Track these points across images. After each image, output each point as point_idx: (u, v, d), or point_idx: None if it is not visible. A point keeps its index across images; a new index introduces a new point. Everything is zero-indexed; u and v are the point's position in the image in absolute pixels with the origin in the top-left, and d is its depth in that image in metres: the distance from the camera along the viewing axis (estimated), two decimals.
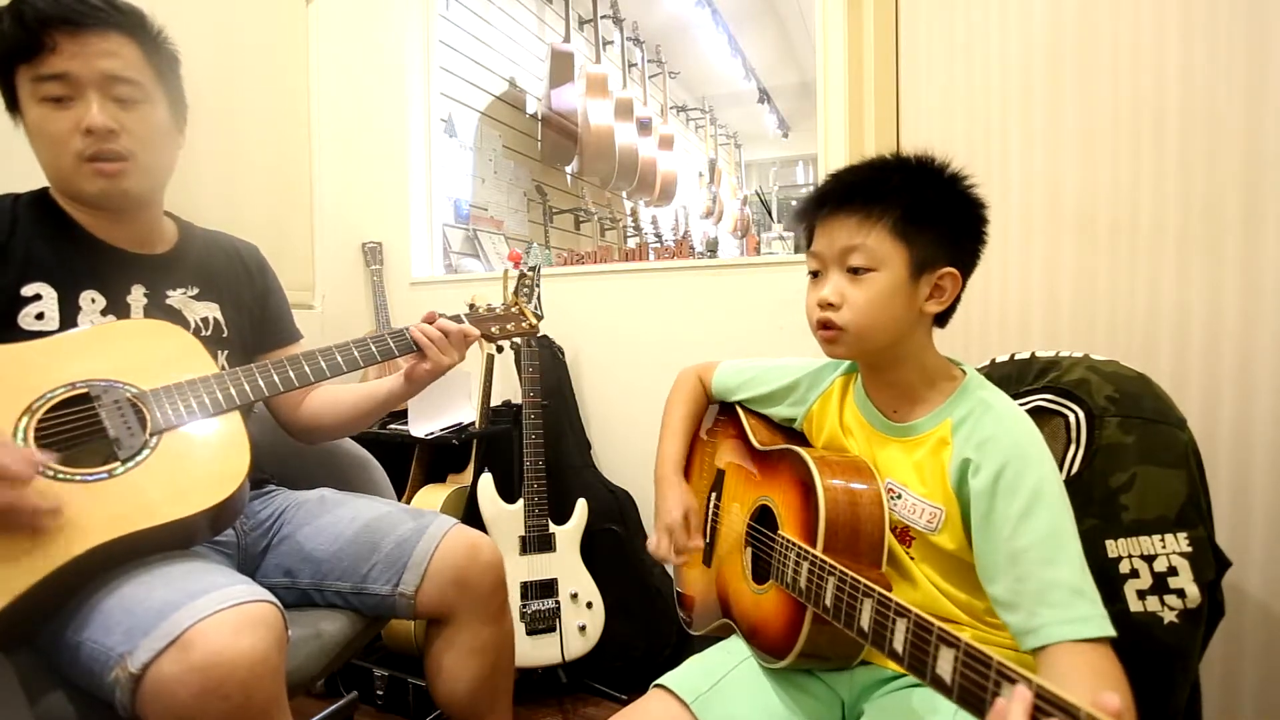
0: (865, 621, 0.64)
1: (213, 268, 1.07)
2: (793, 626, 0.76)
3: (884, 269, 0.76)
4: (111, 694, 0.69)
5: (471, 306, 1.13)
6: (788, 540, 0.78)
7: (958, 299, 0.80)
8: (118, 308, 0.95)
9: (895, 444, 0.81)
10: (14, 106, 0.90)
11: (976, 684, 0.52)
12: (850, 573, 0.67)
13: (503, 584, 1.06)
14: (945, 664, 0.55)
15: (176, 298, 1.01)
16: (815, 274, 0.82)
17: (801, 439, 0.94)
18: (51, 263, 0.92)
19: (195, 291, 1.03)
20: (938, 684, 0.55)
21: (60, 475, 0.75)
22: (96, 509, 0.74)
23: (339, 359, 0.97)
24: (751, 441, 0.95)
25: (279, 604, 0.77)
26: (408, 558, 1.00)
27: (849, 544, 0.76)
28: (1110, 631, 0.63)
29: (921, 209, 0.76)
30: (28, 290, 0.89)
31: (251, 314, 1.11)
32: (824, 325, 0.79)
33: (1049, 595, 0.65)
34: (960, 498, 0.74)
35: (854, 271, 0.77)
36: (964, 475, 0.73)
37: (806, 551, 0.74)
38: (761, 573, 0.84)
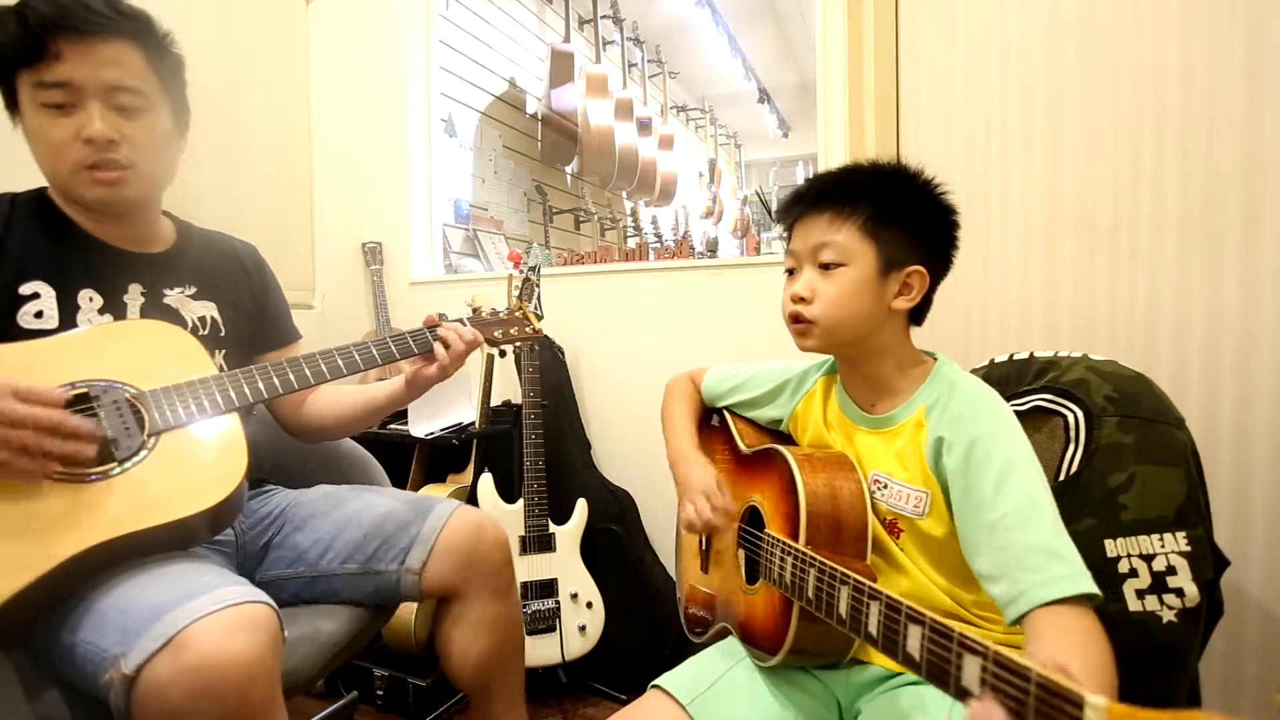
0: (843, 608, 0.65)
1: (211, 267, 1.07)
2: (782, 623, 0.77)
3: (853, 264, 0.79)
4: (106, 695, 0.69)
5: (475, 310, 1.12)
6: (773, 537, 0.79)
7: (929, 298, 0.83)
8: (115, 306, 0.95)
9: (876, 436, 0.83)
10: (13, 108, 0.90)
11: (941, 657, 0.53)
12: (829, 563, 0.68)
13: (509, 561, 1.08)
14: (914, 641, 0.56)
15: (174, 297, 1.01)
16: (791, 272, 0.85)
17: (788, 439, 0.95)
18: (49, 261, 0.91)
19: (193, 291, 1.03)
20: (909, 662, 0.57)
21: (57, 474, 0.75)
22: (93, 509, 0.75)
23: (339, 362, 0.97)
24: (739, 445, 0.96)
25: (274, 605, 0.77)
26: (415, 535, 1.02)
27: (831, 536, 0.77)
28: (1087, 588, 0.62)
29: (891, 209, 0.79)
30: (26, 289, 0.89)
31: (250, 314, 1.11)
32: (795, 319, 0.82)
33: (1026, 560, 0.65)
34: (939, 477, 0.76)
35: (825, 268, 0.80)
36: (939, 453, 0.76)
37: (790, 546, 0.75)
38: (754, 573, 0.85)
